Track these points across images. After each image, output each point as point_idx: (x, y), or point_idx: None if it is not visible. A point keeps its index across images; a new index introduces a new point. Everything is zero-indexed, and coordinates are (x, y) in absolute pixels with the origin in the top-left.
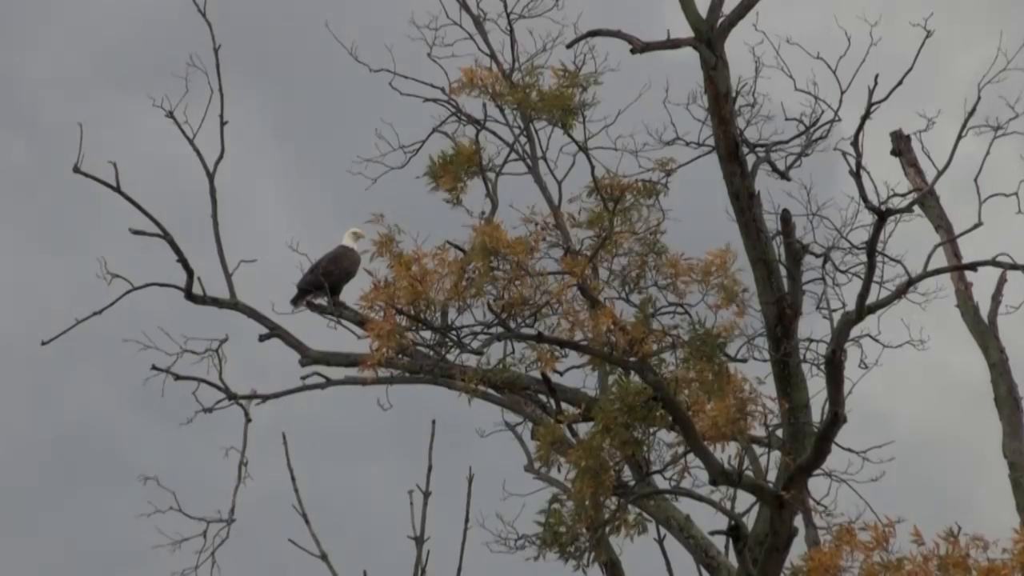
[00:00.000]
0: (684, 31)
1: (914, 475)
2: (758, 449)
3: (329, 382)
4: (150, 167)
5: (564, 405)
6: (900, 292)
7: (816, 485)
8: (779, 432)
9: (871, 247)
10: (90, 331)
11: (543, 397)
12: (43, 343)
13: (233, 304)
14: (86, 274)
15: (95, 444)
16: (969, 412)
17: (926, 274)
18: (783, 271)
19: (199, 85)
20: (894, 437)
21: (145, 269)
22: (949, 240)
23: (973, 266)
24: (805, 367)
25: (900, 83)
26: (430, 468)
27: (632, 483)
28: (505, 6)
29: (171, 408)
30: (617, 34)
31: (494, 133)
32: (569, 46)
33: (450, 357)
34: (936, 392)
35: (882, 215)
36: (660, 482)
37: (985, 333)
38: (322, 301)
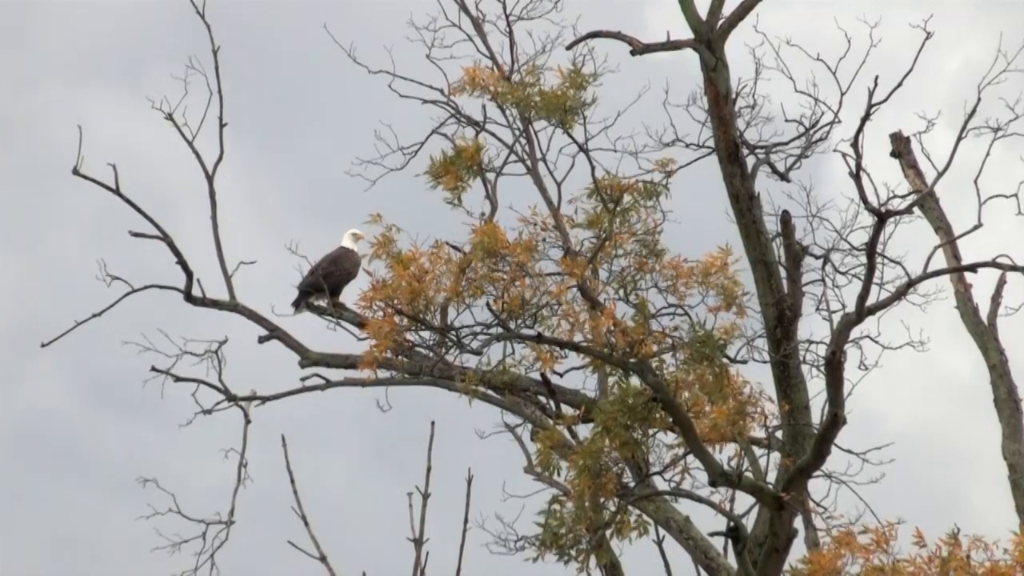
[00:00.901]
0: (684, 33)
1: (908, 475)
2: (758, 450)
3: (329, 383)
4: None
5: (564, 407)
6: (900, 293)
7: (816, 486)
8: (779, 433)
9: (871, 248)
10: (88, 332)
11: (543, 399)
12: (43, 345)
13: (233, 306)
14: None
15: (55, 442)
16: (959, 410)
17: (926, 275)
18: (783, 272)
19: (157, 80)
20: (887, 437)
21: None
22: (949, 241)
23: (973, 267)
24: (805, 368)
25: (900, 84)
26: (429, 469)
27: (632, 485)
28: (504, 8)
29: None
30: (617, 36)
31: (493, 135)
32: (569, 47)
33: (449, 358)
34: (927, 391)
35: (882, 216)
36: (660, 483)
37: (985, 335)
38: (322, 302)
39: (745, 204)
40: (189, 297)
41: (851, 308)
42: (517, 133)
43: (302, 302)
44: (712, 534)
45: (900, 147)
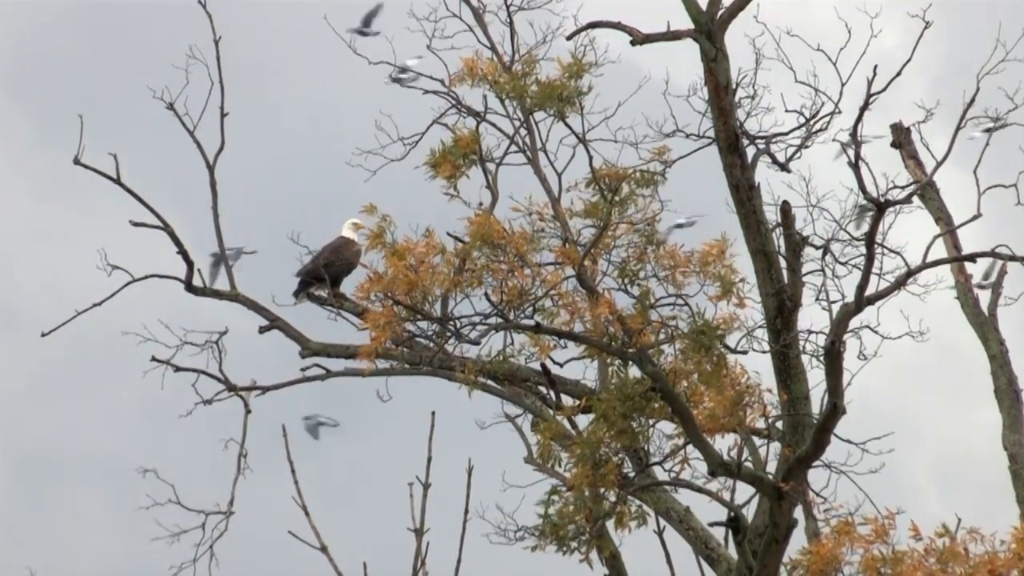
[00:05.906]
0: (684, 23)
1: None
2: (758, 440)
3: (329, 373)
4: None
5: (565, 397)
6: (899, 283)
7: (816, 476)
8: (779, 423)
9: (870, 238)
10: (89, 322)
11: (543, 389)
12: (43, 335)
13: (233, 296)
14: None
15: None
16: (900, 384)
17: (925, 265)
18: (783, 263)
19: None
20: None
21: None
22: (948, 231)
23: (972, 257)
24: (805, 358)
25: (899, 74)
26: (429, 459)
27: (632, 475)
28: None
29: None
30: (617, 26)
31: (494, 125)
32: (569, 38)
33: (449, 348)
34: (872, 364)
35: (880, 206)
36: (660, 474)
37: (985, 325)
38: (323, 292)
39: (745, 194)
40: (190, 287)
41: (850, 298)
42: (517, 124)
43: (303, 291)
44: (712, 524)
45: (900, 137)
